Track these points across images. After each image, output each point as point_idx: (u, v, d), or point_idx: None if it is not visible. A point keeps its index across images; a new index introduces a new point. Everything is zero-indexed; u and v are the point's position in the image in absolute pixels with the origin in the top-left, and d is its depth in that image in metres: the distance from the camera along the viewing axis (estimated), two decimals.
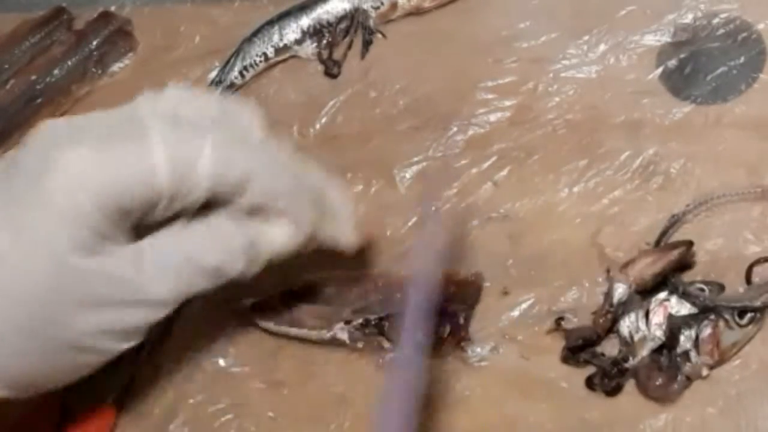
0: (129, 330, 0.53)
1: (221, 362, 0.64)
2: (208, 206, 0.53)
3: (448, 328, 0.61)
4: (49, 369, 0.52)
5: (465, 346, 0.61)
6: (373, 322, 0.61)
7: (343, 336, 0.62)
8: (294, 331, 0.62)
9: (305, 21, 0.73)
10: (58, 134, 0.51)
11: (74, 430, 0.62)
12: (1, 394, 0.52)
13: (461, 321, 0.61)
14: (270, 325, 0.63)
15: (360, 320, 0.61)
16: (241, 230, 0.54)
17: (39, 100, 0.74)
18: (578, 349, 0.59)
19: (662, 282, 0.59)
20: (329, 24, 0.73)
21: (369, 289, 0.64)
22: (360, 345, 0.61)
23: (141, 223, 0.53)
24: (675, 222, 0.62)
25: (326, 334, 0.62)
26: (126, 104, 0.54)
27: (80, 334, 0.51)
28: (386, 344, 0.61)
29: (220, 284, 0.55)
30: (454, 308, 0.61)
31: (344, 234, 0.59)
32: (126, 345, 0.53)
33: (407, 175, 0.68)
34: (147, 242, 0.53)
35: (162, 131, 0.51)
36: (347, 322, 0.62)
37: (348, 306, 0.63)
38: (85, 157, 0.50)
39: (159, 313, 0.53)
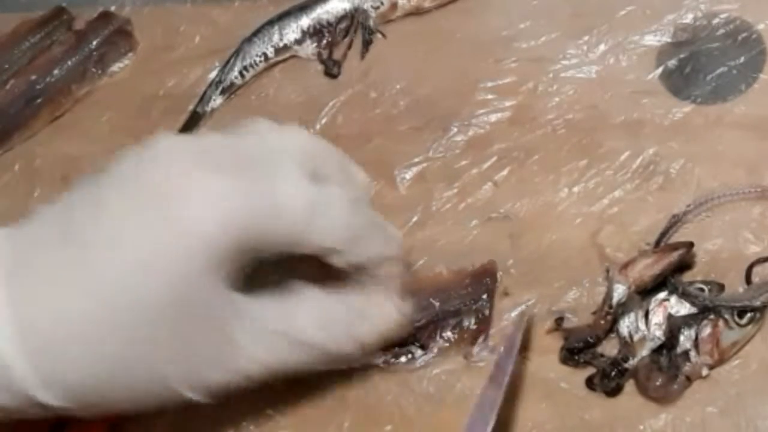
0: (210, 386, 0.51)
1: None
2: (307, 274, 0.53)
3: (472, 320, 0.61)
4: (122, 397, 0.50)
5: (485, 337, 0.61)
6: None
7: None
8: None
9: (305, 21, 0.73)
10: (184, 154, 0.49)
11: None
12: (62, 405, 0.49)
13: (486, 311, 0.61)
14: None
15: None
16: (345, 306, 0.54)
17: (39, 100, 0.74)
18: (578, 350, 0.59)
19: (662, 282, 0.59)
20: (329, 24, 0.73)
21: None
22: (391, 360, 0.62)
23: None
24: (675, 222, 0.62)
25: None
26: (245, 130, 0.52)
27: (167, 373, 0.49)
28: (418, 353, 0.62)
29: (326, 365, 0.54)
30: (477, 300, 0.62)
31: None
32: (199, 399, 0.51)
33: (407, 176, 0.68)
34: (250, 299, 0.51)
35: (296, 172, 0.50)
36: None
37: None
38: (217, 186, 0.48)
39: (244, 379, 0.51)
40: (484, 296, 0.62)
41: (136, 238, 0.47)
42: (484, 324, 0.61)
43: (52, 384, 0.48)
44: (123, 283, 0.47)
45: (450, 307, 0.62)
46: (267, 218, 0.48)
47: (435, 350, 0.61)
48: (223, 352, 0.50)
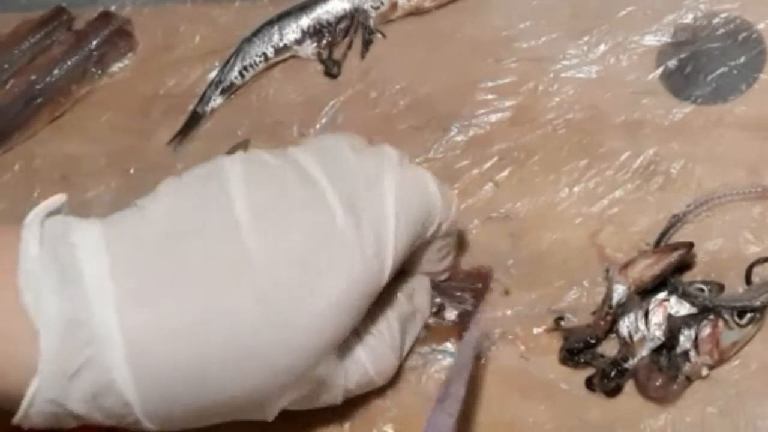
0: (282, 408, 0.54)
1: None
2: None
3: (455, 313, 0.61)
4: (206, 410, 0.52)
5: (464, 335, 0.61)
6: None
7: None
8: None
9: (305, 21, 0.73)
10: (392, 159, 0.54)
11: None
12: (149, 427, 0.50)
13: (469, 307, 0.61)
14: None
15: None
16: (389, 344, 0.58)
17: (39, 100, 0.74)
18: (577, 350, 0.59)
19: (662, 282, 0.59)
20: (329, 24, 0.73)
21: None
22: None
23: None
24: (675, 222, 0.62)
25: None
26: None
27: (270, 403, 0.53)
28: None
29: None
30: (463, 295, 0.61)
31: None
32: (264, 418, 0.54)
33: None
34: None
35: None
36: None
37: None
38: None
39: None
40: (471, 295, 0.62)
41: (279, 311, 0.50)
42: (465, 321, 0.61)
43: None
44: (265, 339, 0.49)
45: (435, 297, 0.62)
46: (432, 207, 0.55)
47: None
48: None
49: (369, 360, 0.56)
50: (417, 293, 0.59)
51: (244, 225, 0.49)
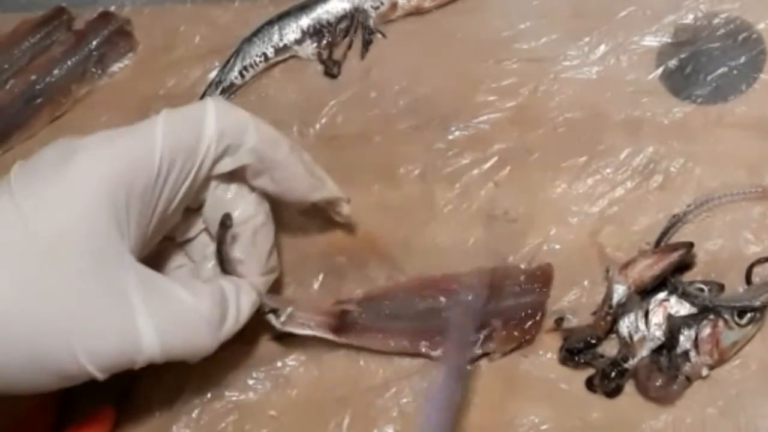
0: (106, 357, 0.52)
1: (225, 363, 0.64)
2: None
3: (528, 324, 0.61)
4: (21, 362, 0.51)
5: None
6: None
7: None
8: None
9: (305, 21, 0.73)
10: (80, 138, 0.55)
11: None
12: None
13: (537, 318, 0.61)
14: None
15: None
16: (232, 285, 0.58)
17: (39, 100, 0.74)
18: (578, 350, 0.59)
19: (662, 282, 0.59)
20: (329, 24, 0.73)
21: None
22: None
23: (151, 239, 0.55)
24: (675, 222, 0.62)
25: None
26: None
27: (68, 330, 0.51)
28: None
29: (201, 352, 0.56)
30: (531, 304, 0.61)
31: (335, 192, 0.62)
32: (93, 370, 0.52)
33: (408, 176, 0.68)
34: (154, 273, 0.54)
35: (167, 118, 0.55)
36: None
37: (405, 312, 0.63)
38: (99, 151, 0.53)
39: (136, 354, 0.53)
40: (539, 303, 0.61)
41: (35, 213, 0.51)
42: (533, 327, 0.61)
43: None
44: (27, 243, 0.50)
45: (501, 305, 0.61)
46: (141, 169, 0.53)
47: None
48: (124, 319, 0.52)
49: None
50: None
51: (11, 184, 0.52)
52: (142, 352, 0.53)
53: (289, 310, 0.61)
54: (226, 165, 0.57)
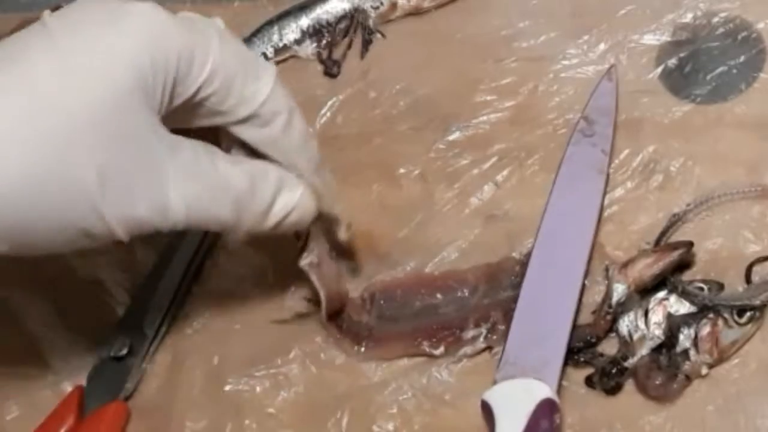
0: (133, 219, 0.51)
1: (226, 362, 0.65)
2: None
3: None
4: (50, 223, 0.50)
5: None
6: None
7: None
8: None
9: (305, 21, 0.73)
10: None
11: (87, 427, 0.62)
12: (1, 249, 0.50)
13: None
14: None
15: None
16: (271, 168, 0.56)
17: None
18: (578, 349, 0.59)
19: (662, 281, 0.59)
20: (329, 24, 0.73)
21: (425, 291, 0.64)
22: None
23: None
24: (675, 221, 0.61)
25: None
26: None
27: (94, 193, 0.49)
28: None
29: (241, 224, 0.55)
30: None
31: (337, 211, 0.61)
32: (120, 233, 0.51)
33: (408, 176, 0.68)
34: (183, 139, 0.52)
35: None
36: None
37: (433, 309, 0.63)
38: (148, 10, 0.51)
39: (165, 220, 0.52)
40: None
41: (74, 56, 0.49)
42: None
43: None
44: (61, 90, 0.48)
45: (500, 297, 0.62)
46: (195, 54, 0.51)
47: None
48: (152, 183, 0.51)
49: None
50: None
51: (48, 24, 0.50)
52: (168, 219, 0.52)
53: (312, 259, 0.61)
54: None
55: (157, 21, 0.51)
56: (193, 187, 0.52)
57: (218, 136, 0.56)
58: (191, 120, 0.54)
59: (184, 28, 0.52)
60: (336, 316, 0.63)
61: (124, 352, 0.65)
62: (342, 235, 0.62)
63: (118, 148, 0.49)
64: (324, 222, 0.61)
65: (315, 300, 0.62)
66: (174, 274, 0.67)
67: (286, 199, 0.56)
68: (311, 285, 0.61)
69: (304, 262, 0.61)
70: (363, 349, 0.62)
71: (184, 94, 0.52)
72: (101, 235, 0.51)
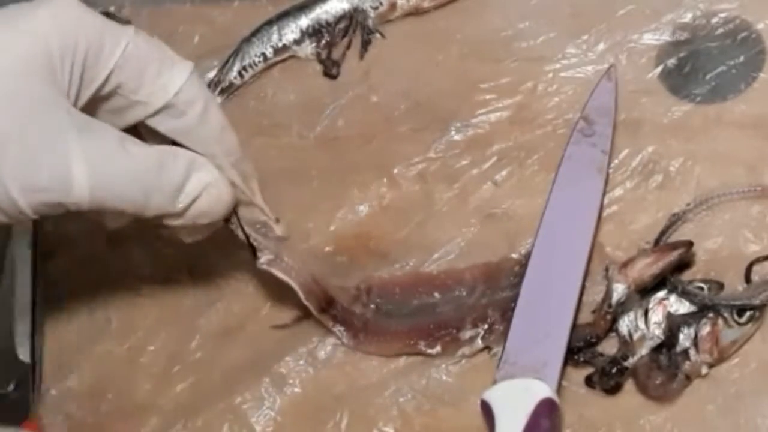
0: (40, 197, 0.51)
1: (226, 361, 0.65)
2: None
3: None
4: None
5: None
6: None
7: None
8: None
9: (304, 21, 0.73)
10: None
11: None
12: None
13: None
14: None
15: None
16: (180, 154, 0.56)
17: None
18: (578, 349, 0.59)
19: (661, 281, 0.59)
20: (328, 24, 0.73)
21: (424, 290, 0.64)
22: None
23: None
24: (675, 221, 0.62)
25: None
26: None
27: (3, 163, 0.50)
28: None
29: (147, 209, 0.55)
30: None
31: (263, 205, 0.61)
32: (25, 210, 0.52)
33: (408, 176, 0.68)
34: (94, 120, 0.54)
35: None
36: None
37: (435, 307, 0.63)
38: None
39: (70, 197, 0.52)
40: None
41: None
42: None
43: None
44: None
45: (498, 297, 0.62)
46: (105, 41, 0.53)
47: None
48: (55, 154, 0.51)
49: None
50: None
51: None
52: (72, 195, 0.52)
53: (269, 257, 0.61)
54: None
55: (70, 7, 0.53)
56: (100, 163, 0.52)
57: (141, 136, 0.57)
58: (114, 117, 0.56)
59: (97, 18, 0.53)
60: (328, 306, 0.62)
61: (11, 387, 0.64)
62: (278, 231, 0.62)
63: (18, 115, 0.50)
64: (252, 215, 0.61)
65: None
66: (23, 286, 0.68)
67: (195, 181, 0.56)
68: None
69: (261, 261, 0.61)
70: (358, 340, 0.62)
71: (96, 78, 0.53)
72: (7, 207, 0.51)
